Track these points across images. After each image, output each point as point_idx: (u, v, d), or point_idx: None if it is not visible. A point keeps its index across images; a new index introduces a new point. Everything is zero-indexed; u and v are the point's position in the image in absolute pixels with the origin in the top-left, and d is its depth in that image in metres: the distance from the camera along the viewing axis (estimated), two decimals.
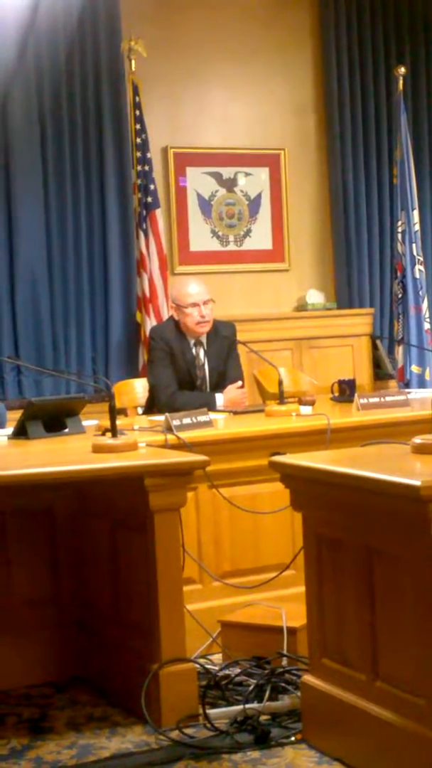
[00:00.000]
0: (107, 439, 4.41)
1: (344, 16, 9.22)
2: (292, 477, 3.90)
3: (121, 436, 4.46)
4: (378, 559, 3.56)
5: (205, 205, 8.87)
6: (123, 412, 6.36)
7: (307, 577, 3.93)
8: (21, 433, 5.00)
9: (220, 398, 5.90)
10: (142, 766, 3.78)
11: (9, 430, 5.25)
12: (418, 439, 3.74)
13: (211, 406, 5.74)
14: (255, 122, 9.07)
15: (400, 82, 9.00)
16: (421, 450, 3.70)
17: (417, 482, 3.18)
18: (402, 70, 9.01)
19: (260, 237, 9.10)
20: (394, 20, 9.44)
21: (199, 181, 8.84)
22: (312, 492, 3.83)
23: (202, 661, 4.52)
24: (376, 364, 9.05)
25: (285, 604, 4.76)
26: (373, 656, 3.59)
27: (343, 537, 3.73)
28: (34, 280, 7.96)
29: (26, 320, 7.96)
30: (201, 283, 6.07)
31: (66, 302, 8.13)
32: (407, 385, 8.56)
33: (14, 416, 5.61)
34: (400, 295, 8.92)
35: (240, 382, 6.03)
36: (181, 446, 4.81)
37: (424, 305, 8.85)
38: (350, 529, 3.68)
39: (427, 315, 8.85)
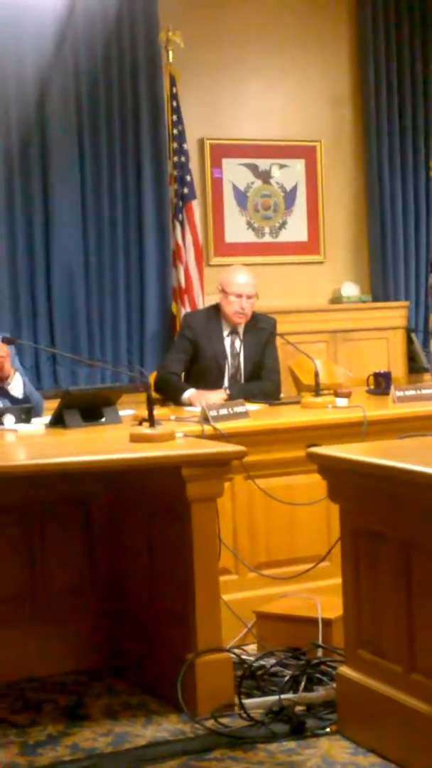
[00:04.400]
0: (145, 429, 4.42)
1: (382, 7, 9.18)
2: (330, 468, 3.90)
3: (158, 426, 4.47)
4: (416, 551, 3.56)
5: (241, 197, 8.87)
6: (159, 402, 6.37)
7: (344, 569, 3.93)
8: (58, 422, 5.02)
9: (188, 392, 5.88)
10: (178, 754, 3.80)
11: (46, 419, 5.26)
12: None
13: (176, 396, 5.86)
14: (291, 114, 9.05)
15: None
16: None
17: None
18: None
19: (296, 229, 9.09)
20: None
21: (235, 173, 8.84)
22: (350, 483, 3.83)
23: (237, 651, 4.53)
24: (411, 358, 9.02)
25: (320, 596, 4.76)
26: (409, 648, 3.59)
27: (381, 529, 3.73)
28: (70, 271, 7.99)
29: (62, 311, 7.99)
30: (251, 277, 6.09)
31: (101, 293, 8.15)
32: None
33: (50, 406, 5.64)
34: None
35: (226, 393, 5.95)
36: (217, 437, 4.81)
37: None
38: (388, 521, 3.68)
39: None
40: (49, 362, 7.93)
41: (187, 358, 6.04)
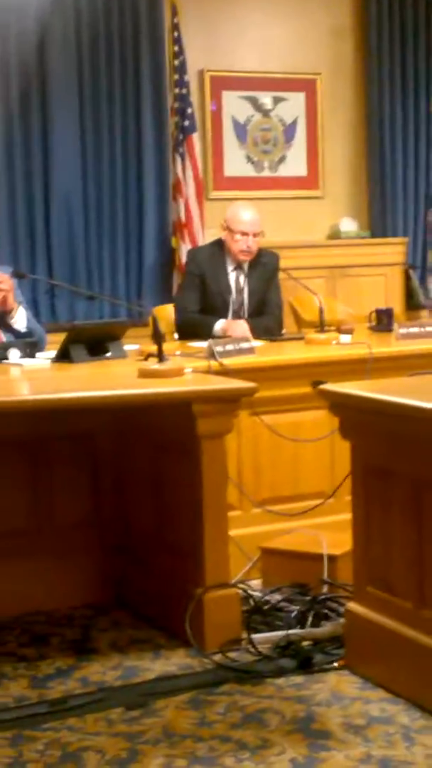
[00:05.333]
0: (153, 365, 4.39)
1: None
2: (342, 405, 3.90)
3: (167, 362, 4.45)
4: (426, 488, 3.56)
5: (241, 130, 8.77)
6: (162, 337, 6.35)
7: (354, 506, 3.93)
8: (64, 356, 4.98)
9: (219, 323, 5.88)
10: (188, 688, 3.82)
11: (49, 353, 5.23)
12: None
13: (208, 331, 5.78)
14: (292, 46, 8.93)
15: None
16: None
17: None
18: None
19: (295, 163, 9.01)
20: None
21: (234, 106, 8.73)
22: (362, 421, 3.82)
23: (243, 586, 4.54)
24: (409, 294, 8.99)
25: (324, 532, 4.78)
26: (419, 584, 3.61)
27: (392, 466, 3.73)
28: (69, 204, 7.93)
29: (60, 245, 7.94)
30: (256, 213, 6.04)
31: (100, 227, 8.09)
32: None
33: (52, 339, 5.63)
34: None
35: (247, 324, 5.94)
36: (223, 372, 4.78)
37: None
38: (400, 458, 3.68)
39: None
40: (47, 296, 7.89)
41: (199, 294, 6.01)
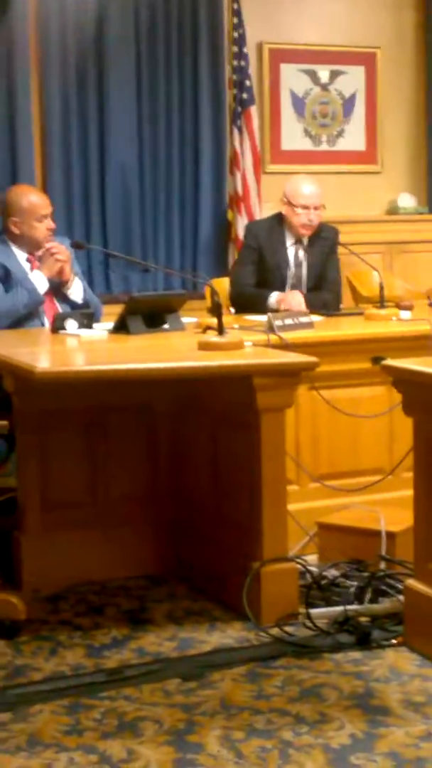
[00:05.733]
0: (213, 337, 4.37)
1: None
2: (406, 382, 3.86)
3: (226, 335, 4.42)
4: None
5: (299, 104, 8.69)
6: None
7: (416, 482, 3.89)
8: (121, 327, 4.96)
9: (274, 296, 5.84)
10: (245, 661, 3.81)
11: (104, 324, 5.21)
12: None
13: (263, 303, 5.76)
14: (351, 19, 8.81)
15: None
16: None
17: None
18: None
19: (353, 138, 8.92)
20: None
21: (293, 79, 8.65)
22: (425, 397, 3.78)
23: (299, 561, 4.52)
24: None
25: (382, 508, 4.74)
26: None
27: None
28: (125, 176, 7.90)
29: (116, 217, 7.91)
30: (317, 187, 6.00)
31: (156, 199, 8.06)
32: None
33: (106, 311, 5.62)
34: None
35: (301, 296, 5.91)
36: (281, 346, 4.74)
37: None
38: None
39: None
40: (101, 267, 7.88)
41: (255, 268, 5.98)
